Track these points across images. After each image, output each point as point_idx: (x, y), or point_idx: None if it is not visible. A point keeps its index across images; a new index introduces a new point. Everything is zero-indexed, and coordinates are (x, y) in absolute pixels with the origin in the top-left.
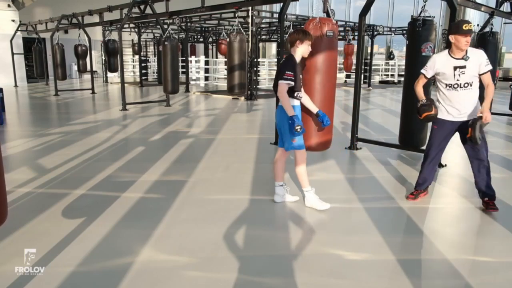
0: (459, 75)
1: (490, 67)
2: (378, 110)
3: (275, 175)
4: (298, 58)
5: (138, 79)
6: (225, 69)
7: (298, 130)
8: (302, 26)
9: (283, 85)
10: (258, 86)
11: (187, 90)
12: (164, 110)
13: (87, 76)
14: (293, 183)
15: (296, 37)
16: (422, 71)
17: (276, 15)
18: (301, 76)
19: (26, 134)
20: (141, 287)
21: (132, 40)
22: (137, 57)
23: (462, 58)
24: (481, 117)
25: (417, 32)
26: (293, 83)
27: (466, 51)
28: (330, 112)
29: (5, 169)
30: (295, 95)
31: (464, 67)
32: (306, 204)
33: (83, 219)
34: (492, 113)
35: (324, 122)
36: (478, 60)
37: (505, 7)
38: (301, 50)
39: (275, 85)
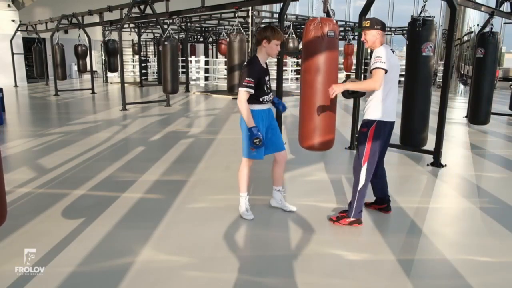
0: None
1: (376, 65)
2: None
3: (272, 179)
4: (263, 58)
5: (138, 79)
6: (225, 69)
7: (257, 143)
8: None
9: (242, 92)
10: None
11: (187, 90)
12: (164, 110)
13: (87, 76)
14: (292, 187)
15: (263, 35)
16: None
17: (276, 15)
18: (267, 78)
19: (26, 134)
20: (141, 287)
21: (132, 40)
22: (137, 57)
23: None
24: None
25: (417, 32)
26: (252, 90)
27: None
28: (331, 112)
29: (5, 169)
30: (261, 100)
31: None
32: (239, 209)
33: (83, 219)
34: (492, 113)
35: (281, 108)
36: (372, 57)
37: (505, 7)
38: (268, 51)
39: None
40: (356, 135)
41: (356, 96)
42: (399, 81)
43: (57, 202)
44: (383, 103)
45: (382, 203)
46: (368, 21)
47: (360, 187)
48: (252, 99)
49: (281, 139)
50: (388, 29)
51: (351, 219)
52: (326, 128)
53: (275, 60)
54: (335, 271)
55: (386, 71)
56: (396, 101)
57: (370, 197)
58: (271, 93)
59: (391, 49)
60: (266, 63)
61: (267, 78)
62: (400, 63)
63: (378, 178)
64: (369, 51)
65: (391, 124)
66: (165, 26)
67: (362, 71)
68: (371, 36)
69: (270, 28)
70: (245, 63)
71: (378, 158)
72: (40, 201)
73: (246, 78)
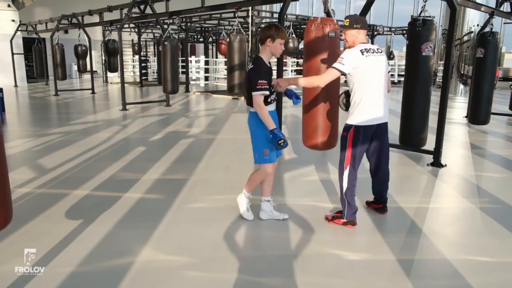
0: None
1: (333, 64)
2: None
3: (261, 189)
4: (267, 58)
5: (138, 79)
6: (225, 69)
7: (282, 144)
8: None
9: (258, 96)
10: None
11: (187, 90)
12: (164, 110)
13: (87, 76)
14: (292, 187)
15: (267, 34)
16: None
17: (276, 15)
18: (273, 78)
19: (26, 134)
20: (141, 287)
21: (132, 40)
22: (137, 57)
23: None
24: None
25: (417, 32)
26: (268, 92)
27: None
28: (333, 113)
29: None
30: (269, 100)
31: None
32: (240, 209)
33: (83, 219)
34: (492, 113)
35: (294, 101)
36: None
37: (505, 7)
38: (272, 50)
39: (249, 97)
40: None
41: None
42: (399, 81)
43: (57, 202)
44: (358, 107)
45: (378, 203)
46: (348, 20)
47: (344, 191)
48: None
49: None
50: (388, 29)
51: (345, 220)
52: (329, 127)
53: (275, 60)
54: (335, 271)
55: (343, 73)
56: (379, 102)
57: (371, 196)
58: (275, 93)
59: (364, 49)
60: (269, 62)
61: (273, 77)
62: (399, 63)
63: (378, 179)
64: None
65: (377, 126)
66: (165, 26)
67: None
68: (350, 36)
69: (274, 26)
70: (251, 65)
71: (379, 159)
72: (40, 201)
73: (259, 81)
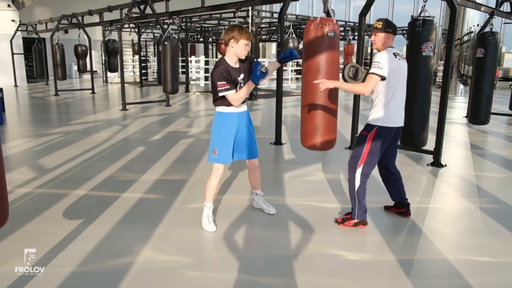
0: None
1: (372, 70)
2: None
3: (250, 184)
4: (232, 60)
5: (138, 79)
6: None
7: (263, 71)
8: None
9: (230, 96)
10: (258, 86)
11: (187, 90)
12: (164, 110)
13: (87, 76)
14: (292, 187)
15: (231, 35)
16: None
17: (276, 15)
18: (241, 77)
19: (26, 134)
20: (141, 287)
21: (132, 40)
22: (137, 57)
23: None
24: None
25: (417, 32)
26: (233, 90)
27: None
28: (332, 113)
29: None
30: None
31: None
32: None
33: (83, 219)
34: (492, 113)
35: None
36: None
37: (505, 7)
38: (236, 51)
39: (214, 98)
40: (356, 136)
41: (358, 79)
42: None
43: (57, 202)
44: (385, 109)
45: (401, 207)
46: (380, 23)
47: (357, 188)
48: (224, 102)
49: (255, 146)
50: None
51: (356, 221)
52: (327, 128)
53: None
54: (335, 271)
55: (383, 78)
56: (403, 105)
57: (390, 201)
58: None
59: (395, 53)
60: (242, 62)
61: (240, 78)
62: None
63: (392, 182)
64: (369, 50)
65: (397, 129)
66: (165, 26)
67: None
68: (381, 39)
69: (238, 27)
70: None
71: (387, 161)
72: (40, 201)
73: (218, 83)
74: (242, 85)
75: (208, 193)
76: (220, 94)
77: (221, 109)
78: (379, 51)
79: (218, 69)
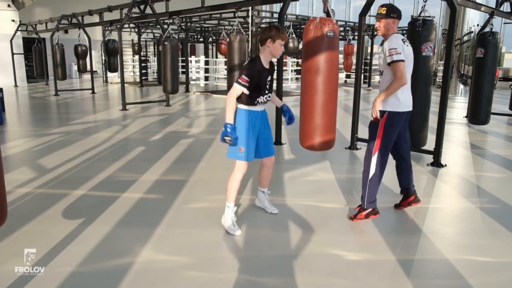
0: (377, 58)
1: (393, 58)
2: None
3: (259, 180)
4: (266, 59)
5: (138, 79)
6: (225, 69)
7: (227, 141)
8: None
9: (236, 88)
10: None
11: (187, 90)
12: (164, 110)
13: (87, 76)
14: (292, 187)
15: (268, 35)
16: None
17: (276, 15)
18: (268, 79)
19: (26, 134)
20: (141, 287)
21: (132, 40)
22: (137, 57)
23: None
24: None
25: (417, 32)
26: (246, 90)
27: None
28: (332, 113)
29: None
30: (255, 102)
31: (379, 52)
32: (222, 221)
33: (83, 219)
34: (492, 113)
35: (287, 119)
36: (384, 48)
37: (505, 7)
38: (271, 51)
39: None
40: (356, 135)
41: None
42: None
43: (57, 202)
44: (395, 94)
45: (408, 195)
46: (385, 9)
47: (370, 176)
48: (246, 99)
49: (272, 144)
50: None
51: (366, 211)
52: (327, 128)
53: (275, 60)
54: (335, 271)
55: (404, 61)
56: (409, 90)
57: (394, 201)
58: (268, 95)
59: (403, 39)
60: (271, 63)
61: (268, 79)
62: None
63: (403, 169)
64: (369, 51)
65: (407, 113)
66: (165, 26)
67: (362, 71)
68: (386, 25)
69: (275, 27)
70: (247, 61)
71: (400, 147)
72: (40, 201)
73: (243, 76)
74: (268, 86)
75: (230, 192)
76: (236, 84)
77: (244, 106)
78: (384, 37)
79: (253, 65)
